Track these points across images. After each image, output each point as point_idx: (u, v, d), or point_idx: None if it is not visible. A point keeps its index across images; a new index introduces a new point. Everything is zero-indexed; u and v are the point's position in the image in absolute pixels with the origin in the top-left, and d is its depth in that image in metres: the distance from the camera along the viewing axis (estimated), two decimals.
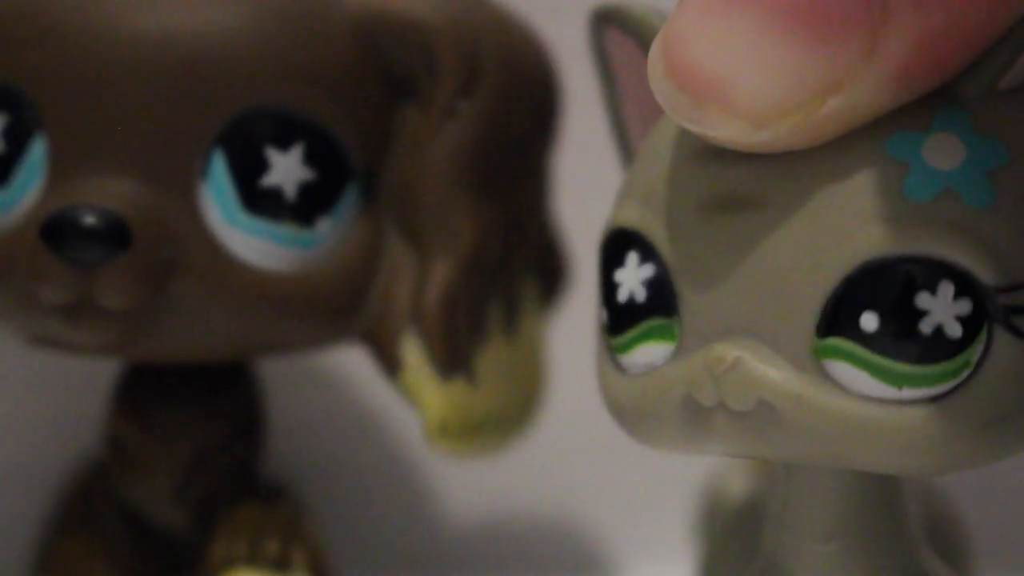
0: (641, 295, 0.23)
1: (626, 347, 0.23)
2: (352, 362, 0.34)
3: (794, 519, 0.24)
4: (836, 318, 0.21)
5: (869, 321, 0.21)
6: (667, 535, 0.36)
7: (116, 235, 0.26)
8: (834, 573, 0.24)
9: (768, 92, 0.20)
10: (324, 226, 0.28)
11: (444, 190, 0.28)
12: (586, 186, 0.33)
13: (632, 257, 0.23)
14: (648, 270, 0.23)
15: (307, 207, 0.28)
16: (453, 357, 0.28)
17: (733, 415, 0.22)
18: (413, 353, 0.28)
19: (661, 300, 0.23)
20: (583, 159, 0.33)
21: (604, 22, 0.26)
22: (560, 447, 0.36)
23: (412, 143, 0.28)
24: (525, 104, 0.29)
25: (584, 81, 0.30)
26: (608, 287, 0.24)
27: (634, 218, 0.23)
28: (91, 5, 0.27)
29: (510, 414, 0.30)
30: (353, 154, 0.28)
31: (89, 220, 0.26)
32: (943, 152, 0.21)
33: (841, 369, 0.21)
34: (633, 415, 0.23)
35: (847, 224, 0.21)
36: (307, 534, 0.31)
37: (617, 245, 0.24)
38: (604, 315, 0.24)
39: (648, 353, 0.23)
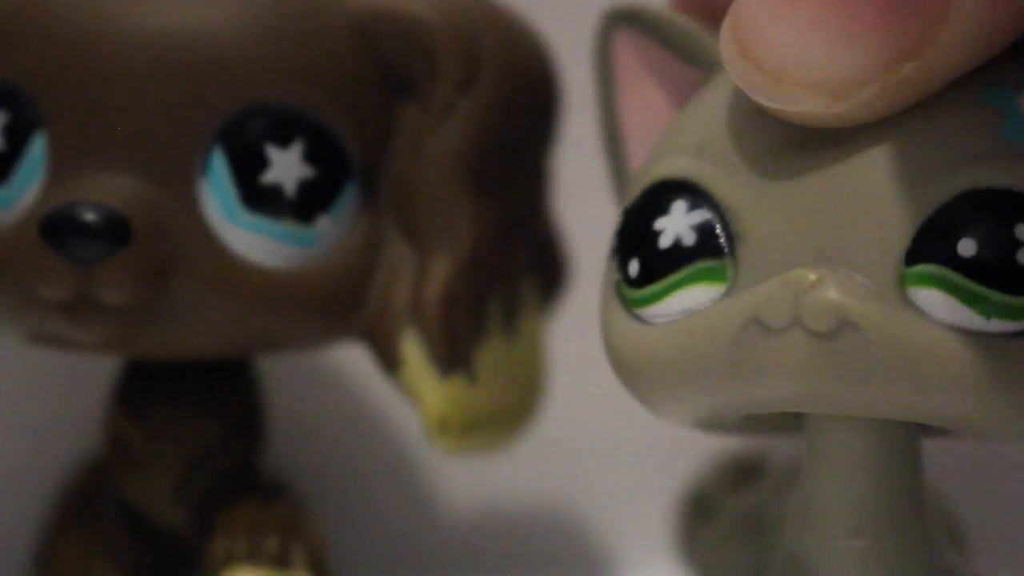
0: (689, 238, 0.23)
1: (659, 295, 0.23)
2: (352, 360, 0.34)
3: (819, 516, 0.24)
4: (931, 244, 0.21)
5: (967, 247, 0.21)
6: (667, 533, 0.36)
7: (116, 232, 0.26)
8: (863, 569, 0.24)
9: (844, 62, 0.20)
10: (324, 223, 0.28)
11: (443, 188, 0.28)
12: (586, 186, 0.33)
13: (679, 205, 0.23)
14: (699, 215, 0.23)
15: (307, 204, 0.28)
16: (453, 354, 0.28)
17: (810, 335, 0.21)
18: (413, 350, 0.28)
19: (713, 243, 0.23)
20: (583, 159, 0.33)
21: (617, 23, 0.27)
22: (560, 447, 0.36)
23: (412, 141, 0.28)
24: (524, 102, 0.29)
25: (584, 81, 0.30)
26: (644, 236, 0.23)
27: (683, 168, 0.23)
28: (91, 3, 0.27)
29: (510, 412, 0.30)
30: (353, 152, 0.28)
31: (89, 217, 0.26)
32: None
33: (930, 296, 0.21)
34: (662, 366, 0.23)
35: (946, 156, 0.21)
36: (307, 532, 0.31)
37: (659, 196, 0.23)
38: (631, 267, 0.23)
39: (691, 297, 0.23)
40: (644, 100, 0.27)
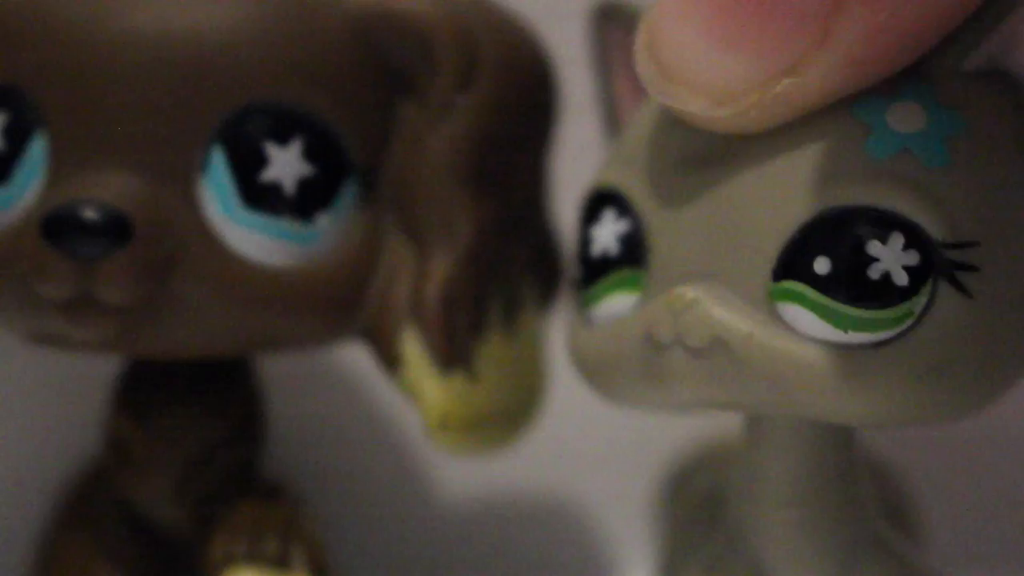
0: (614, 249, 0.25)
1: (593, 299, 0.25)
2: (352, 360, 0.34)
3: (757, 488, 0.25)
4: (792, 262, 0.22)
5: (822, 264, 0.22)
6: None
7: (116, 229, 0.26)
8: (794, 539, 0.25)
9: (726, 71, 0.22)
10: (323, 221, 0.28)
11: (442, 185, 0.28)
12: (585, 186, 0.33)
13: (608, 214, 0.25)
14: (623, 225, 0.25)
15: (306, 202, 0.28)
16: (453, 352, 0.28)
17: (689, 353, 0.23)
18: (412, 348, 0.28)
19: (632, 253, 0.24)
20: (583, 159, 0.33)
21: (604, 17, 0.28)
22: (561, 446, 0.36)
23: (410, 139, 0.28)
24: (523, 100, 0.29)
25: (583, 81, 0.30)
26: (583, 243, 0.25)
27: (614, 177, 0.25)
28: (90, 3, 0.27)
29: (510, 410, 0.30)
30: (352, 149, 0.28)
31: (89, 215, 0.26)
32: (905, 117, 0.22)
33: (793, 311, 0.22)
34: (595, 365, 0.25)
35: (809, 176, 0.22)
36: (307, 532, 0.31)
37: (595, 204, 0.25)
38: (577, 270, 0.25)
39: (614, 304, 0.25)
40: (636, 91, 0.28)
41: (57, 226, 0.26)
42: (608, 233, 0.25)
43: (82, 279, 0.26)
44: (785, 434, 0.25)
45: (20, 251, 0.27)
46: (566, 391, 0.31)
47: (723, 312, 0.23)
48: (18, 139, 0.28)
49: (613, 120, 0.29)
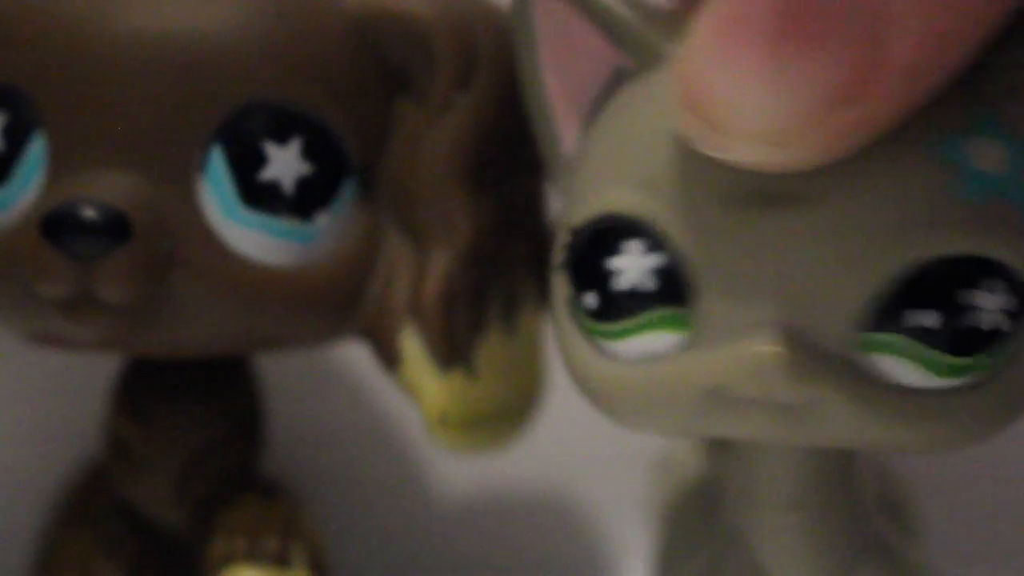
0: (649, 284, 0.23)
1: (619, 335, 0.23)
2: (352, 359, 0.34)
3: (756, 492, 0.25)
4: (886, 314, 0.21)
5: (922, 317, 0.21)
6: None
7: (115, 228, 0.26)
8: (794, 542, 0.25)
9: (781, 110, 0.20)
10: (322, 220, 0.28)
11: (441, 183, 0.28)
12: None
13: (634, 245, 0.23)
14: (657, 259, 0.23)
15: (305, 201, 0.28)
16: (452, 349, 0.28)
17: (776, 407, 0.22)
18: (412, 346, 0.28)
19: (672, 290, 0.23)
20: None
21: None
22: (560, 445, 0.36)
23: (409, 137, 0.28)
24: (521, 98, 0.29)
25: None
26: (599, 272, 0.23)
27: (633, 204, 0.23)
28: (88, 3, 0.27)
29: (510, 408, 0.30)
30: (351, 148, 0.28)
31: (89, 213, 0.26)
32: (987, 155, 0.22)
33: (887, 362, 0.22)
34: (632, 404, 0.23)
35: (898, 222, 0.21)
36: (306, 530, 0.31)
37: (609, 231, 0.23)
38: (588, 300, 0.23)
39: (650, 342, 0.23)
40: (567, 70, 0.26)
41: (57, 225, 0.26)
42: (638, 267, 0.23)
43: (82, 278, 0.26)
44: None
45: (20, 251, 0.27)
46: (565, 389, 0.31)
47: (814, 370, 0.22)
48: (17, 139, 0.28)
49: (544, 113, 0.27)
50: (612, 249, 0.23)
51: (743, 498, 0.25)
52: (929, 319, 0.21)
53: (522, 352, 0.30)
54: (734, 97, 0.20)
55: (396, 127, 0.29)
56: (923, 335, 0.21)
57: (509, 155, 0.29)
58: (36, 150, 0.28)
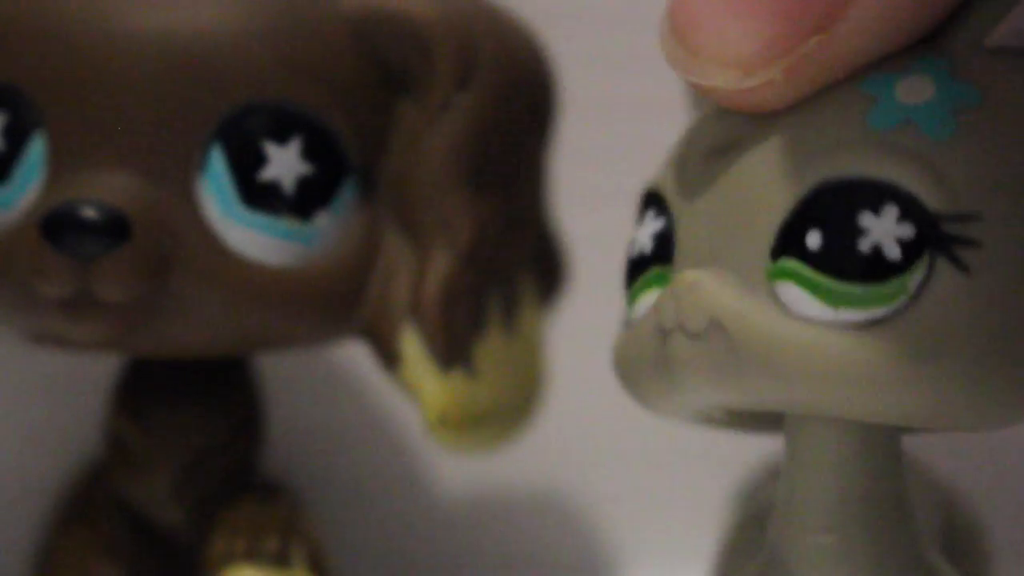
0: (648, 247, 0.24)
1: (631, 300, 0.24)
2: (351, 358, 0.34)
3: (796, 511, 0.24)
4: (788, 240, 0.21)
5: (814, 239, 0.21)
6: (670, 533, 0.36)
7: (115, 228, 0.26)
8: (831, 566, 0.24)
9: (754, 38, 0.21)
10: (322, 220, 0.28)
11: (441, 184, 0.28)
12: (586, 187, 0.33)
13: (649, 214, 0.24)
14: (659, 223, 0.24)
15: (305, 201, 0.28)
16: (452, 349, 0.28)
17: (690, 338, 0.22)
18: (412, 346, 0.28)
19: (663, 249, 0.24)
20: (582, 160, 0.33)
21: None
22: (561, 444, 0.36)
23: (409, 138, 0.28)
24: (521, 98, 0.29)
25: (583, 81, 0.30)
26: (632, 243, 0.25)
27: (656, 178, 0.24)
28: (89, 4, 0.27)
29: (509, 408, 0.30)
30: (351, 148, 0.28)
31: (88, 213, 0.26)
32: (913, 90, 0.21)
33: (788, 291, 0.21)
34: (623, 366, 0.24)
35: (808, 151, 0.22)
36: (306, 530, 0.31)
37: (641, 207, 0.25)
38: (624, 274, 0.25)
39: (647, 302, 0.24)
40: None
41: (56, 225, 0.26)
42: (646, 233, 0.24)
43: (81, 278, 0.26)
44: (824, 453, 0.24)
45: (20, 251, 0.27)
46: (565, 389, 0.31)
47: (719, 293, 0.22)
48: (17, 139, 0.28)
49: None
50: (639, 220, 0.25)
51: (782, 516, 0.24)
52: (816, 240, 0.21)
53: (522, 352, 0.30)
54: (708, 18, 0.21)
55: (396, 127, 0.29)
56: (812, 258, 0.21)
57: (509, 156, 0.29)
58: (36, 150, 0.28)
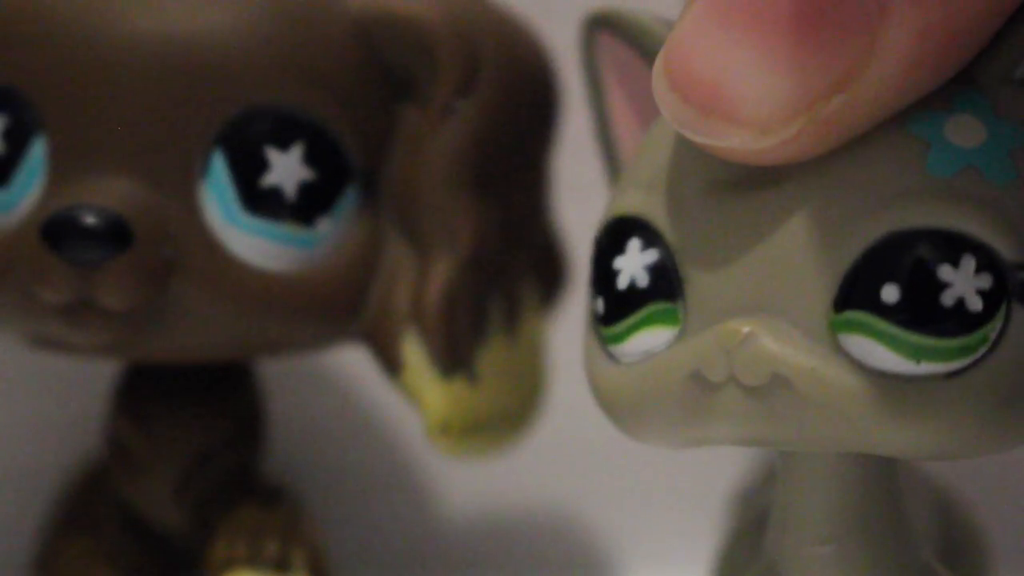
0: (643, 280, 0.23)
1: (622, 336, 0.23)
2: (353, 363, 0.34)
3: (793, 521, 0.24)
4: (855, 291, 0.21)
5: (890, 293, 0.21)
6: (668, 536, 0.36)
7: (116, 235, 0.26)
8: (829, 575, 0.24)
9: (771, 96, 0.20)
10: (324, 226, 0.28)
11: (443, 189, 0.28)
12: (586, 187, 0.33)
13: (634, 243, 0.23)
14: (651, 255, 0.23)
15: (307, 207, 0.28)
16: (454, 355, 0.28)
17: (744, 391, 0.21)
18: (414, 352, 0.28)
19: (664, 284, 0.23)
20: (583, 160, 0.33)
21: (598, 27, 0.26)
22: (561, 448, 0.36)
23: (411, 142, 0.28)
24: (524, 103, 0.29)
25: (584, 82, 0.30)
26: (606, 276, 0.23)
27: (636, 205, 0.23)
28: (90, 7, 0.27)
29: (511, 414, 0.30)
30: (353, 154, 0.28)
31: (90, 220, 0.26)
32: (964, 131, 0.21)
33: (858, 343, 0.21)
34: (629, 404, 0.23)
35: (868, 198, 0.21)
36: (307, 534, 0.31)
37: (617, 233, 0.23)
38: (598, 305, 0.24)
39: (647, 340, 0.23)
40: (631, 101, 0.27)
41: (57, 231, 0.26)
42: (635, 264, 0.23)
43: (82, 284, 0.26)
44: (819, 465, 0.23)
45: (20, 256, 0.27)
46: (566, 394, 0.31)
47: (782, 347, 0.21)
48: (18, 143, 0.28)
49: (611, 147, 0.27)
50: (617, 249, 0.23)
51: (779, 525, 0.24)
52: (893, 293, 0.21)
53: (524, 358, 0.30)
54: (724, 80, 0.20)
55: (398, 132, 0.29)
56: (889, 312, 0.21)
57: (511, 161, 0.29)
58: (37, 154, 0.27)
